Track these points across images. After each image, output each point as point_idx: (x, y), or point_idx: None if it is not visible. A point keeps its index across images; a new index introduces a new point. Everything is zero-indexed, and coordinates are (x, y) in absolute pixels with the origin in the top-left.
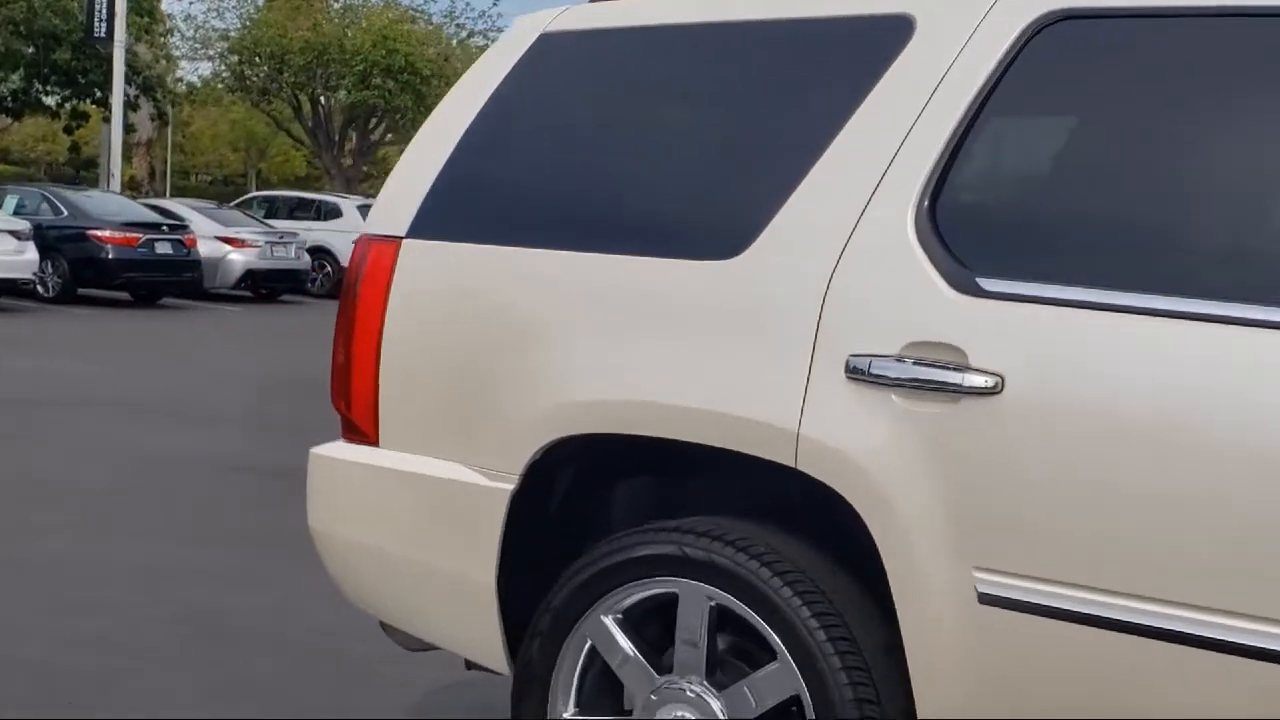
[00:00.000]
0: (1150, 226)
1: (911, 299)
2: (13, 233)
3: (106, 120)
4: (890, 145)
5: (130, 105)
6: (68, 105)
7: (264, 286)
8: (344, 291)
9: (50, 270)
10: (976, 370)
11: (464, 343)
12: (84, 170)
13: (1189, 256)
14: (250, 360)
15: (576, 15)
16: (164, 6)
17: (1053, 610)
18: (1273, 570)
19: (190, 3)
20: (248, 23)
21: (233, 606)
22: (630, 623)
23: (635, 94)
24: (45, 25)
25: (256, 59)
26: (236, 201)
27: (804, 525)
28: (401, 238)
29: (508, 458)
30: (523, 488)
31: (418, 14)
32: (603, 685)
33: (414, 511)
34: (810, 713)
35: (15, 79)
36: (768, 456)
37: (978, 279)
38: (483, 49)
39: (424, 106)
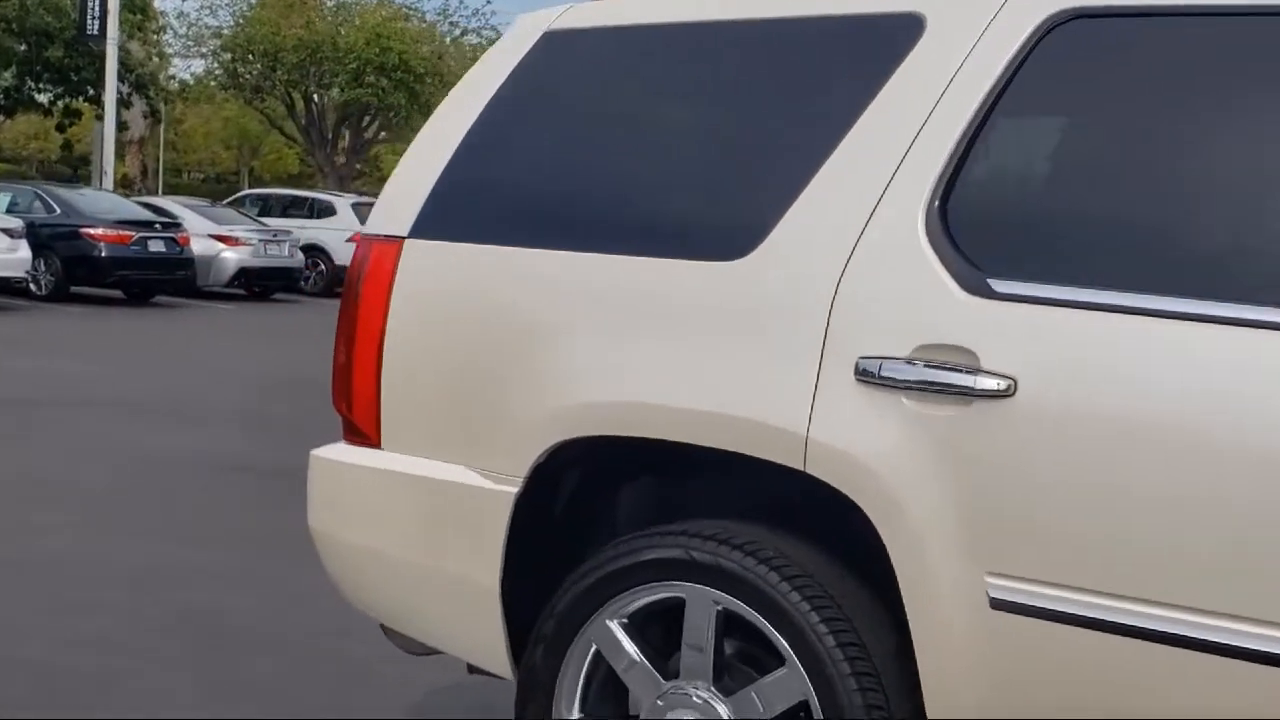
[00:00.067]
0: (1162, 227)
1: (922, 301)
2: (6, 231)
3: (99, 118)
4: (900, 145)
5: (123, 103)
6: (60, 103)
7: (257, 284)
8: (345, 292)
9: (43, 268)
10: (988, 373)
11: (468, 344)
12: (77, 168)
13: (1202, 258)
14: (247, 359)
15: (581, 13)
16: (157, 4)
17: (1066, 616)
18: None
19: (183, 0)
20: (241, 20)
21: (233, 606)
22: (636, 627)
23: (641, 92)
24: (38, 22)
25: (249, 56)
26: (230, 199)
27: (811, 528)
28: (404, 238)
29: (512, 460)
30: (527, 490)
31: (411, 12)
32: (608, 691)
33: (416, 514)
34: (819, 718)
35: (8, 76)
36: (776, 460)
37: (989, 280)
38: (476, 47)
39: (417, 104)
